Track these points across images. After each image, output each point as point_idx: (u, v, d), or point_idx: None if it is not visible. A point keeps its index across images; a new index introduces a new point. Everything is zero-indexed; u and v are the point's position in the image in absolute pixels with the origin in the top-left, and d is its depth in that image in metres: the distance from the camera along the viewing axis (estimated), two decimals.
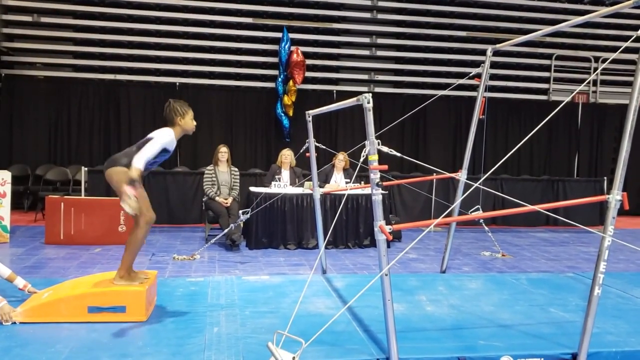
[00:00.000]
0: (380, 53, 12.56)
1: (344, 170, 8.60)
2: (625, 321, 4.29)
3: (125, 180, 3.92)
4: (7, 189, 7.69)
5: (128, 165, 4.04)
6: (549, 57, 13.05)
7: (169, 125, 4.41)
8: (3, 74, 11.14)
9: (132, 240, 4.22)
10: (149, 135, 4.25)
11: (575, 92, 4.91)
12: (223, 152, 8.16)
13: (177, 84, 11.68)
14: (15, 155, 11.06)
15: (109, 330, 3.83)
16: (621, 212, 3.40)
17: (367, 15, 12.48)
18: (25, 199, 10.50)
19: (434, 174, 6.87)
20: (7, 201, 7.68)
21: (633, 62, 12.67)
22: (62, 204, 7.65)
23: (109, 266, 6.34)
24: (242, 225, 7.70)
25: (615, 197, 3.32)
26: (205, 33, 11.76)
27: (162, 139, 4.25)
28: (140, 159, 3.98)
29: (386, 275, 3.29)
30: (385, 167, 3.42)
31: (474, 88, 7.80)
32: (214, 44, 11.81)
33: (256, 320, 4.12)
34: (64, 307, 4.02)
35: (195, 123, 4.55)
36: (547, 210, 4.08)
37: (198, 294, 4.90)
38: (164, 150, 4.26)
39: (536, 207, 3.48)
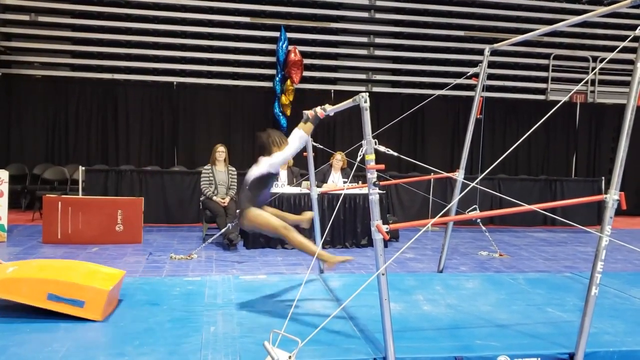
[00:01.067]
0: (378, 53, 12.56)
1: (342, 169, 8.60)
2: (623, 321, 4.29)
3: (255, 208, 4.33)
4: (5, 188, 7.68)
5: (249, 199, 4.38)
6: (546, 56, 13.06)
7: (266, 155, 4.55)
8: (1, 73, 11.12)
9: (298, 244, 4.30)
10: (255, 167, 4.51)
11: (573, 91, 4.90)
12: (220, 151, 8.15)
13: (175, 83, 11.67)
14: (12, 155, 11.04)
15: (106, 329, 3.82)
16: (619, 212, 3.40)
17: (365, 14, 12.47)
18: (23, 198, 10.48)
19: (432, 173, 6.87)
20: (4, 200, 7.67)
21: (631, 62, 12.64)
22: (60, 203, 7.64)
23: (105, 265, 6.32)
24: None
25: (613, 197, 3.32)
26: (203, 32, 11.75)
27: (267, 165, 4.44)
28: (253, 174, 4.39)
29: (383, 274, 3.28)
30: (382, 166, 3.41)
31: (472, 88, 7.81)
32: (212, 44, 11.80)
33: (253, 320, 4.11)
34: (25, 287, 3.95)
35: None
36: (545, 210, 4.08)
37: (195, 293, 4.89)
38: (269, 176, 4.46)
39: (534, 207, 3.48)
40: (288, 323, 3.32)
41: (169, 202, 9.45)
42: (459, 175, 5.82)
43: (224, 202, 7.83)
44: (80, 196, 8.76)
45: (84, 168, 9.24)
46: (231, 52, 11.93)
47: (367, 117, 3.39)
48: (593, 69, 12.82)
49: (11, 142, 11.13)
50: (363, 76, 12.44)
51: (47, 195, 8.08)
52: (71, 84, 11.38)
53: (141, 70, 11.59)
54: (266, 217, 4.34)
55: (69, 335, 3.69)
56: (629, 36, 3.61)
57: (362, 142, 3.40)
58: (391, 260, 3.50)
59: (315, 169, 6.00)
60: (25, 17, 11.20)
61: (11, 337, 3.62)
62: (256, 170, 4.43)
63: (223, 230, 7.25)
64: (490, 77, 12.25)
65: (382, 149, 3.48)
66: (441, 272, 6.20)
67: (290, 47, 11.45)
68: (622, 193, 3.34)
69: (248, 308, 4.45)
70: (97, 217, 7.68)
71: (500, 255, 7.68)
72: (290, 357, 3.06)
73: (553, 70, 13.06)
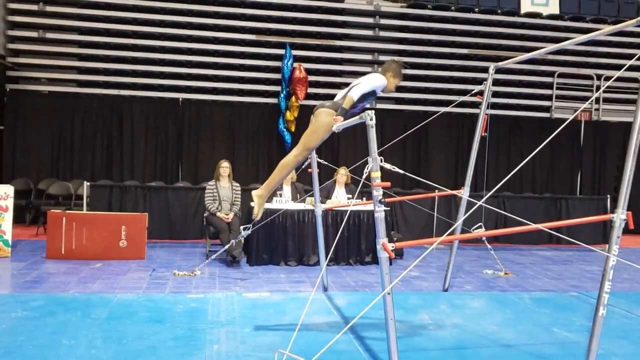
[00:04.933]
0: None
1: (346, 185, 8.59)
2: (631, 342, 4.24)
3: (334, 114, 4.38)
4: (10, 203, 7.68)
5: (336, 107, 4.45)
6: (551, 74, 13.07)
7: (382, 73, 4.70)
8: (8, 89, 11.19)
9: (283, 164, 4.57)
10: (360, 80, 4.59)
11: (579, 110, 4.89)
12: (224, 167, 8.15)
13: (181, 99, 11.72)
14: (18, 170, 11.07)
15: (108, 346, 3.80)
16: (625, 231, 3.37)
17: (369, 32, 12.54)
18: (28, 213, 10.49)
19: (436, 190, 6.85)
20: (9, 215, 7.66)
21: (636, 80, 12.76)
22: (64, 218, 7.63)
23: (109, 281, 6.32)
24: (242, 241, 7.67)
25: (620, 216, 3.30)
26: (209, 49, 11.82)
27: (377, 80, 4.59)
28: (358, 91, 4.42)
29: (388, 294, 3.26)
30: (388, 184, 3.41)
31: (476, 105, 7.82)
32: (218, 60, 11.86)
33: (257, 338, 4.09)
34: None
35: (395, 87, 4.80)
36: (550, 229, 4.05)
37: (198, 311, 4.87)
38: (372, 93, 4.58)
39: (540, 226, 3.46)
40: (293, 342, 3.29)
41: (173, 217, 9.44)
42: (464, 193, 5.80)
43: (228, 218, 7.81)
44: (84, 211, 8.75)
45: (88, 183, 9.24)
46: (237, 69, 11.99)
47: (372, 134, 3.39)
48: (597, 86, 12.83)
49: (17, 157, 11.16)
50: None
51: (52, 210, 8.07)
52: (77, 99, 11.44)
53: (147, 87, 11.65)
54: (327, 131, 4.45)
55: (72, 352, 3.67)
56: (633, 54, 3.62)
57: (367, 158, 3.40)
58: (397, 280, 3.48)
59: (320, 185, 5.99)
60: (33, 34, 11.30)
61: (14, 355, 3.59)
62: (362, 84, 4.50)
63: (227, 246, 7.22)
64: (495, 94, 12.23)
65: (387, 166, 3.48)
66: (446, 290, 6.17)
67: (296, 65, 11.51)
68: (630, 212, 3.32)
69: (252, 326, 4.42)
70: (101, 232, 7.66)
71: (506, 273, 7.62)
72: None
73: (557, 88, 13.06)
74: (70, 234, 7.56)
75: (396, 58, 12.31)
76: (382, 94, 4.83)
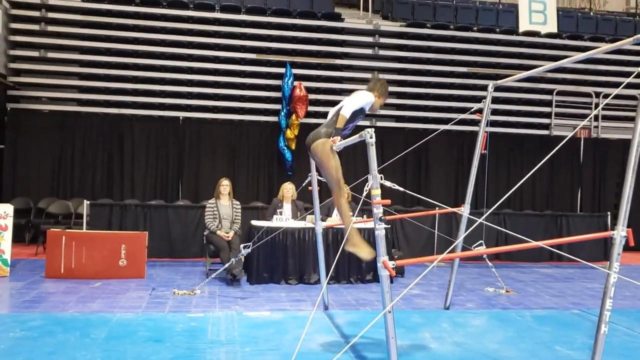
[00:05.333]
0: None
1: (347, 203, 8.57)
2: None
3: (329, 141, 4.42)
4: (9, 222, 7.67)
5: (327, 134, 4.51)
6: (550, 92, 13.13)
7: (367, 90, 4.74)
8: (9, 108, 11.23)
9: (341, 207, 4.61)
10: (348, 100, 4.65)
11: (578, 128, 4.93)
12: (225, 185, 8.15)
13: (181, 118, 11.75)
14: (18, 188, 11.06)
15: None
16: (626, 248, 3.37)
17: (369, 51, 12.62)
18: (27, 232, 10.46)
19: (437, 208, 6.85)
20: (8, 234, 7.65)
21: (634, 98, 12.81)
22: (64, 237, 7.61)
23: (108, 300, 6.29)
24: (243, 259, 7.64)
25: (620, 233, 3.29)
26: (210, 68, 11.88)
27: (365, 97, 4.64)
28: (348, 109, 4.48)
29: (389, 312, 3.25)
30: (389, 201, 3.41)
31: (476, 123, 7.86)
32: (218, 79, 11.92)
33: (257, 358, 4.06)
34: None
35: (379, 106, 4.85)
36: (551, 246, 4.05)
37: (198, 330, 4.84)
38: (361, 111, 4.62)
39: (540, 244, 3.46)
40: None
41: (173, 236, 9.41)
42: (465, 211, 5.80)
43: (228, 237, 7.80)
44: (84, 230, 8.74)
45: (88, 202, 9.24)
46: (237, 87, 12.04)
47: (372, 152, 3.40)
48: (596, 104, 12.88)
49: (17, 176, 11.17)
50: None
51: (51, 229, 8.06)
52: (78, 118, 11.48)
53: (147, 105, 11.69)
54: (333, 156, 4.45)
55: None
56: (631, 72, 3.63)
57: (368, 176, 3.40)
58: (398, 298, 3.46)
59: (320, 203, 5.99)
60: (35, 54, 11.37)
61: None
62: (351, 102, 4.54)
63: (227, 265, 7.19)
64: (494, 112, 12.30)
65: (388, 183, 3.48)
66: (448, 308, 6.14)
67: (296, 83, 11.56)
68: (630, 229, 3.32)
69: (252, 345, 4.39)
70: (100, 251, 7.64)
71: (507, 291, 7.59)
72: None
73: (556, 106, 13.11)
74: (70, 253, 7.54)
75: (386, 76, 12.43)
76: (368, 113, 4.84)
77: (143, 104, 11.67)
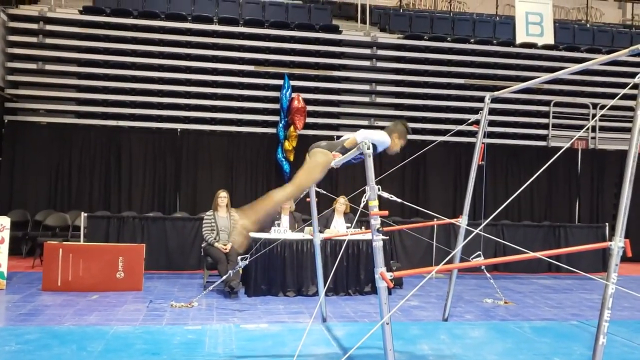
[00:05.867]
0: (379, 100, 12.69)
1: (345, 214, 8.57)
2: None
3: (330, 154, 4.34)
4: (6, 234, 7.64)
5: (331, 148, 4.42)
6: (547, 103, 13.18)
7: (387, 132, 4.62)
8: (6, 120, 11.23)
9: (273, 200, 4.36)
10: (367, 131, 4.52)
11: (575, 138, 4.95)
12: (222, 197, 8.14)
13: (179, 130, 11.76)
14: (15, 201, 11.04)
15: None
16: (624, 259, 3.36)
17: (366, 63, 12.66)
18: (24, 244, 10.42)
19: (435, 219, 6.85)
20: (5, 247, 7.61)
21: (631, 109, 12.82)
22: (61, 249, 7.58)
23: (105, 313, 6.26)
24: (240, 271, 7.62)
25: (618, 244, 3.29)
26: (208, 80, 11.91)
27: (381, 135, 4.51)
28: (363, 135, 4.26)
29: (387, 324, 3.23)
30: (386, 212, 3.40)
31: (473, 134, 7.89)
32: (216, 91, 11.95)
33: None
34: None
35: (399, 149, 4.81)
36: (550, 257, 4.04)
37: (195, 343, 4.82)
38: (374, 147, 4.32)
39: (538, 255, 3.45)
40: None
41: (170, 248, 9.39)
42: (462, 222, 5.80)
43: (226, 249, 7.78)
44: (81, 243, 8.71)
45: (85, 214, 9.22)
46: (235, 99, 12.06)
47: (370, 163, 3.40)
48: (593, 115, 12.93)
49: (14, 189, 11.15)
50: (365, 122, 12.53)
51: (48, 242, 8.03)
52: (75, 130, 11.48)
53: (145, 117, 11.70)
54: (322, 170, 4.36)
55: None
56: (628, 83, 3.64)
57: (365, 187, 3.40)
58: (395, 309, 3.45)
59: (318, 214, 5.99)
60: (33, 66, 11.39)
61: None
62: (368, 132, 4.43)
63: (224, 277, 7.17)
64: (492, 123, 12.35)
65: (385, 195, 3.48)
66: (446, 320, 6.11)
67: (294, 95, 11.59)
68: (627, 240, 3.31)
69: (250, 358, 4.37)
70: (98, 264, 7.60)
71: (505, 302, 7.57)
72: None
73: (554, 117, 13.15)
74: (67, 265, 7.51)
75: (383, 88, 12.47)
76: (361, 122, 4.77)
77: (141, 115, 11.68)
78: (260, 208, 4.34)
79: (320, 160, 4.36)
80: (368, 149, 3.42)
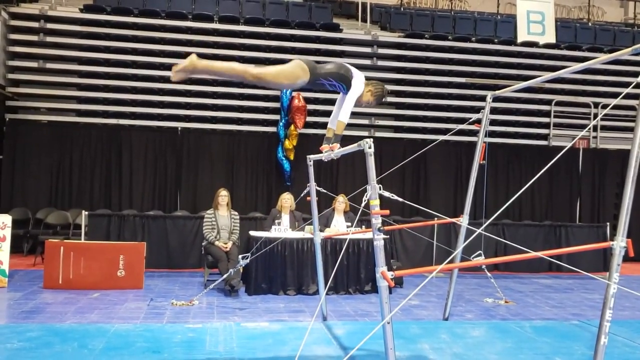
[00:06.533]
0: None
1: (345, 213, 8.57)
2: None
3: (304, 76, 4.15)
4: (7, 232, 7.65)
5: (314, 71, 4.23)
6: (548, 102, 13.16)
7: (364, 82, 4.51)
8: (7, 119, 11.23)
9: (232, 65, 4.13)
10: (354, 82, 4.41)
11: (577, 138, 4.95)
12: (223, 195, 8.14)
13: (180, 128, 11.76)
14: (16, 199, 11.04)
15: None
16: (626, 258, 3.35)
17: (367, 62, 12.65)
18: (25, 242, 10.43)
19: (435, 218, 6.85)
20: (6, 245, 7.62)
21: (633, 108, 12.83)
22: (62, 248, 7.59)
23: (106, 311, 6.26)
24: (241, 270, 7.62)
25: (620, 243, 3.28)
26: (209, 79, 11.89)
27: (359, 84, 4.42)
28: (347, 116, 4.32)
29: (388, 323, 3.23)
30: (387, 212, 3.40)
31: (474, 133, 7.88)
32: (217, 89, 11.94)
33: None
34: None
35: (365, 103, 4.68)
36: (551, 257, 4.04)
37: (196, 341, 4.82)
38: (347, 83, 4.43)
39: (539, 254, 3.44)
40: None
41: (171, 247, 9.39)
42: (463, 221, 5.79)
43: (226, 247, 7.78)
44: (82, 241, 8.71)
45: (86, 213, 9.22)
46: (236, 98, 12.06)
47: (371, 162, 3.40)
48: (595, 114, 12.91)
49: (15, 187, 11.15)
50: (366, 121, 12.53)
51: (50, 240, 8.03)
52: (76, 129, 11.48)
53: (146, 116, 11.69)
54: (291, 79, 4.14)
55: None
56: (629, 82, 3.63)
57: (366, 186, 3.40)
58: (397, 309, 3.45)
59: (319, 213, 5.98)
60: (33, 64, 11.39)
61: None
62: (351, 99, 4.38)
63: (225, 275, 7.17)
64: (493, 122, 12.32)
65: (386, 194, 3.47)
66: (447, 319, 6.11)
67: (294, 94, 11.58)
68: (629, 239, 3.31)
69: (250, 357, 4.37)
70: (98, 262, 7.61)
71: (506, 302, 7.57)
72: None
73: (555, 116, 13.14)
74: (68, 263, 7.51)
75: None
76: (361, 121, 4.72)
77: (141, 114, 11.67)
78: (215, 64, 4.09)
79: (296, 72, 4.12)
80: (370, 147, 3.41)
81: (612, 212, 13.00)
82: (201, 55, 4.14)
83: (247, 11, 12.53)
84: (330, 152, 4.28)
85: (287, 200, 8.50)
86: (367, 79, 4.55)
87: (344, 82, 4.38)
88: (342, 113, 4.34)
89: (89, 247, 7.89)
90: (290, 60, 4.27)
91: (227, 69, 4.09)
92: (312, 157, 5.38)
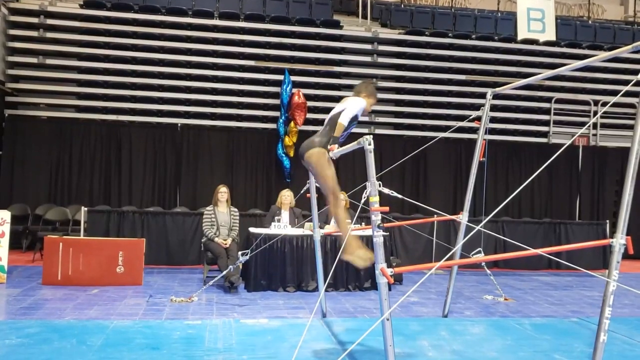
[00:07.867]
0: (380, 95, 12.58)
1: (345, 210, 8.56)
2: None
3: (325, 150, 4.43)
4: (6, 228, 7.64)
5: (322, 144, 4.49)
6: (548, 100, 13.15)
7: (356, 95, 4.74)
8: (7, 115, 11.22)
9: (339, 217, 4.54)
10: (341, 107, 4.59)
11: (577, 135, 4.95)
12: (223, 192, 8.13)
13: (179, 124, 11.75)
14: (15, 195, 11.03)
15: None
16: (625, 256, 3.35)
17: (367, 58, 12.64)
18: (24, 238, 10.42)
19: (435, 215, 6.85)
20: (5, 241, 7.61)
21: (632, 106, 12.84)
22: (61, 244, 7.58)
23: (105, 307, 6.26)
24: (240, 266, 7.62)
25: (619, 241, 3.28)
26: (208, 75, 11.89)
27: (358, 103, 4.61)
28: (347, 117, 4.45)
29: (388, 320, 3.23)
30: (387, 208, 3.40)
31: (474, 130, 7.88)
32: (217, 86, 11.92)
33: None
34: None
35: (371, 106, 4.86)
36: (550, 254, 4.04)
37: (195, 338, 4.81)
38: (355, 118, 4.59)
39: (539, 251, 3.45)
40: None
41: (171, 243, 9.39)
42: (463, 218, 5.79)
43: (226, 244, 7.77)
44: (81, 237, 8.71)
45: (86, 209, 9.22)
46: (235, 94, 12.05)
47: (371, 159, 3.39)
48: (595, 112, 12.91)
49: (14, 183, 11.14)
50: (366, 118, 12.52)
51: (49, 236, 8.03)
52: (76, 125, 11.47)
53: (146, 112, 11.69)
54: (329, 165, 4.44)
55: None
56: (629, 80, 3.63)
57: (366, 183, 3.39)
58: (396, 305, 3.45)
59: (318, 210, 5.98)
60: (33, 60, 11.37)
61: None
62: (347, 111, 4.49)
63: (224, 272, 7.17)
64: (492, 120, 12.32)
65: (386, 191, 3.47)
66: (446, 316, 6.11)
67: (294, 90, 11.56)
68: (629, 237, 3.31)
69: (249, 353, 4.37)
70: (98, 258, 7.60)
71: (506, 299, 7.57)
72: None
73: (555, 114, 13.13)
74: (67, 259, 7.50)
75: (384, 83, 12.45)
76: (361, 118, 4.82)
77: (141, 110, 11.66)
78: (345, 235, 4.26)
79: (321, 160, 4.43)
80: (369, 144, 3.41)
81: (612, 210, 13.01)
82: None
83: (248, 7, 12.51)
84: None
85: (286, 197, 8.50)
86: (368, 77, 4.65)
87: (352, 122, 4.62)
88: (342, 116, 4.46)
89: (88, 243, 7.88)
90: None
91: (344, 223, 4.55)
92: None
